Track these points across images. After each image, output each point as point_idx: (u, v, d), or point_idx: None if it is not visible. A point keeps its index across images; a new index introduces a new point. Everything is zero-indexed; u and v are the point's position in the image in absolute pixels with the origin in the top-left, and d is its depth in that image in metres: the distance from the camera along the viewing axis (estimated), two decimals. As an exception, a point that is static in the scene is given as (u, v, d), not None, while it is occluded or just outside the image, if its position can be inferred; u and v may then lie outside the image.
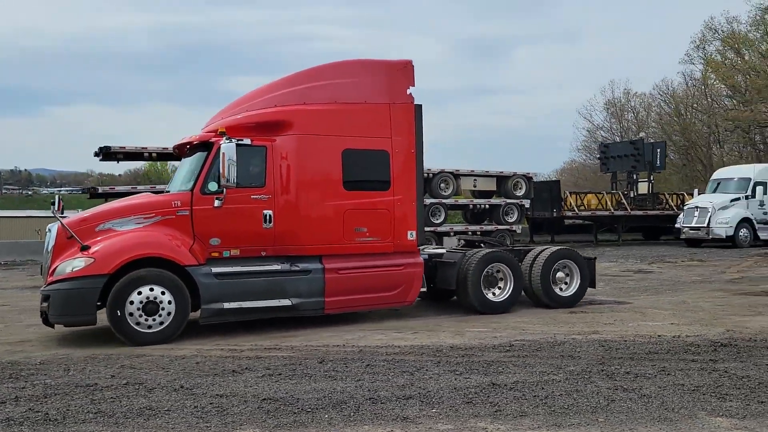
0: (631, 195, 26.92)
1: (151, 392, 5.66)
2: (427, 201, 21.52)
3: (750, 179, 24.20)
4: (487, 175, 23.08)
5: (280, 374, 6.23)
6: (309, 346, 7.61)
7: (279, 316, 8.71)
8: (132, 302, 7.67)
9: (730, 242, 23.37)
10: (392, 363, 6.60)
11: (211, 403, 5.30)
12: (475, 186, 23.06)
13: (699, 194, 26.45)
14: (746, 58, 51.21)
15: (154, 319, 7.80)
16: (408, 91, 9.52)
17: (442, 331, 8.55)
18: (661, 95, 61.51)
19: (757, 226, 23.82)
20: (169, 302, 7.87)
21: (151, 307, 7.77)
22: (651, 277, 14.62)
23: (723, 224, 23.43)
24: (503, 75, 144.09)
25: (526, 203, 22.93)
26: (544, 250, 10.57)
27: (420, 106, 9.64)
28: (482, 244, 11.34)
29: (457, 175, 22.33)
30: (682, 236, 24.63)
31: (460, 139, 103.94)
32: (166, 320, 7.86)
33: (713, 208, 23.56)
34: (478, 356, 6.89)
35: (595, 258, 11.12)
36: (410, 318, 9.61)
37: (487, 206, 22.78)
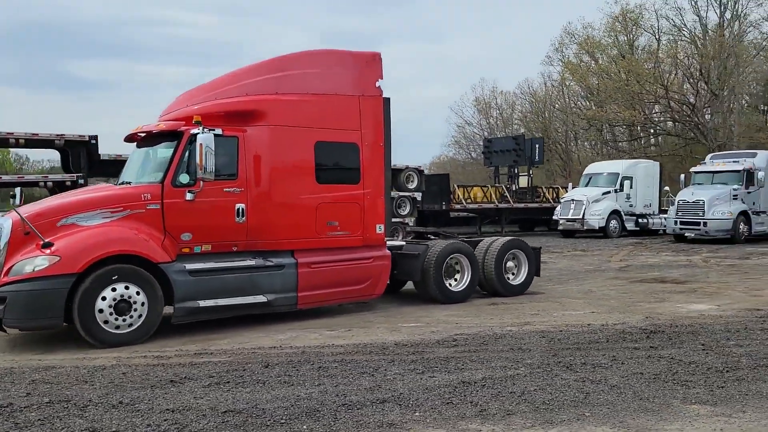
0: (513, 188, 28.09)
1: (85, 410, 4.91)
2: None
3: (618, 174, 26.06)
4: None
5: (228, 382, 5.66)
6: (243, 349, 7.04)
7: (253, 312, 8.40)
8: (104, 300, 7.18)
9: (601, 233, 25.02)
10: (344, 364, 6.22)
11: (165, 420, 4.66)
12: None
13: (573, 188, 28.13)
14: (599, 62, 55.50)
15: (124, 320, 7.32)
16: (377, 84, 9.49)
17: (375, 327, 8.29)
18: (523, 94, 65.54)
19: (624, 217, 25.67)
20: (143, 303, 7.42)
21: (122, 307, 7.30)
22: (548, 267, 15.21)
23: (596, 216, 25.02)
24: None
25: (418, 196, 23.16)
26: (495, 240, 10.84)
27: (388, 99, 9.63)
28: (431, 236, 11.45)
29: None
30: (560, 227, 26.01)
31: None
32: (136, 321, 7.41)
33: (587, 201, 25.11)
34: (429, 353, 6.67)
35: (540, 248, 11.48)
36: (335, 315, 9.23)
37: (380, 199, 22.76)
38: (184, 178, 7.91)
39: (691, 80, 49.65)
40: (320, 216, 8.91)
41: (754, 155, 23.88)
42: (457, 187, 26.02)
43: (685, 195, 22.71)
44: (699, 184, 23.19)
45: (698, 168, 23.92)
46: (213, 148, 7.66)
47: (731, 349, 6.61)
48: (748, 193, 22.33)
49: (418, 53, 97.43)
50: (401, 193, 22.76)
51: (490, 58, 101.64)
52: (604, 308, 9.34)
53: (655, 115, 52.77)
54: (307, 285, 8.69)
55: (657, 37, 57.86)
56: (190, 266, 7.82)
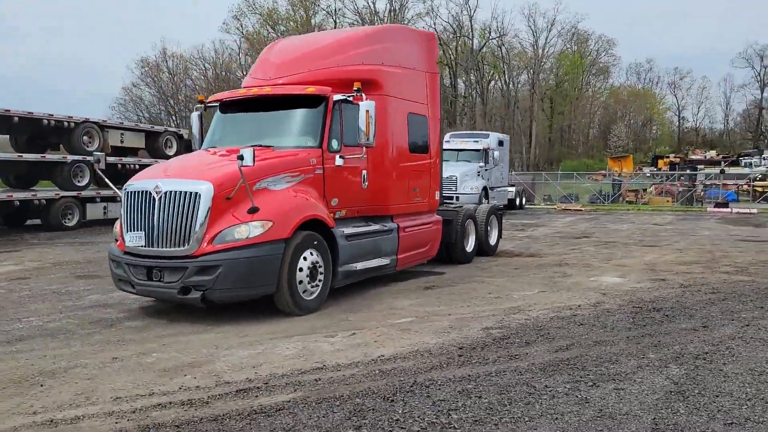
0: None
1: None
2: (69, 158, 17.07)
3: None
4: (135, 129, 19.54)
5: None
6: (220, 381, 4.98)
7: (379, 274, 8.92)
8: (301, 269, 7.15)
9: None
10: (380, 399, 4.58)
11: None
12: (122, 141, 19.21)
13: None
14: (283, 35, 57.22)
15: (315, 285, 7.39)
16: (435, 62, 10.50)
17: (339, 334, 6.68)
18: (198, 58, 64.74)
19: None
20: (322, 268, 7.49)
21: (313, 273, 7.33)
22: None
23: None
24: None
25: (179, 164, 20.25)
26: (480, 206, 12.43)
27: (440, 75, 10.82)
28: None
29: (103, 127, 18.23)
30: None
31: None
32: (317, 287, 7.44)
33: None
34: (463, 366, 5.52)
35: (504, 212, 12.55)
36: (260, 321, 7.20)
37: (137, 166, 19.26)
38: (335, 144, 7.98)
39: None
40: (410, 183, 9.60)
41: (486, 136, 26.38)
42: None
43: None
44: (446, 160, 24.36)
45: (444, 146, 25.22)
46: (374, 116, 7.83)
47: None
48: (486, 170, 24.64)
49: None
50: (159, 159, 19.59)
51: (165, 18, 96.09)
52: (554, 288, 9.10)
53: None
54: (403, 248, 9.29)
55: (334, 18, 61.93)
56: (346, 231, 8.00)
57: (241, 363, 5.44)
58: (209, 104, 9.09)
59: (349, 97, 8.03)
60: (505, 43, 77.49)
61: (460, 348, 5.80)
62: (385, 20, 65.37)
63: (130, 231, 7.02)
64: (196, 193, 6.69)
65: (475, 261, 11.57)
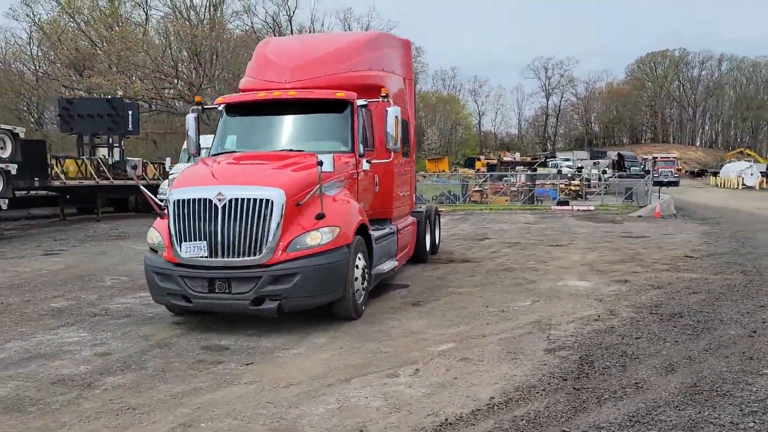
0: (110, 162, 23.29)
1: None
2: None
3: None
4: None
5: None
6: None
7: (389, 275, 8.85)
8: (357, 269, 7.15)
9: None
10: None
11: None
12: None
13: (172, 163, 25.28)
14: (83, 26, 52.78)
15: (363, 290, 7.38)
16: (411, 69, 11.13)
17: (399, 372, 5.68)
18: None
19: None
20: (367, 271, 7.52)
21: (363, 277, 7.33)
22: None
23: None
24: None
25: (13, 169, 16.93)
26: (429, 207, 12.71)
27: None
28: None
29: None
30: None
31: None
32: (365, 290, 7.47)
33: None
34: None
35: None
36: (272, 362, 5.97)
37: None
38: (361, 148, 8.09)
39: (191, 62, 51.41)
40: (401, 186, 9.93)
41: None
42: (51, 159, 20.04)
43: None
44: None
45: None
46: (401, 121, 8.22)
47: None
48: None
49: None
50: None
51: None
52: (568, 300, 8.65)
53: (166, 92, 52.34)
54: (400, 249, 9.52)
55: (144, 9, 58.06)
56: (375, 234, 8.02)
57: (331, 425, 4.23)
58: (207, 107, 9.04)
59: (371, 102, 8.31)
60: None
61: (563, 379, 5.09)
62: (204, 15, 61.98)
63: (187, 241, 6.56)
64: (268, 200, 6.49)
65: (421, 268, 10.89)
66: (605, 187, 33.78)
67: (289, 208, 6.58)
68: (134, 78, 49.08)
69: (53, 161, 20.03)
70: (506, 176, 39.88)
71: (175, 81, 52.10)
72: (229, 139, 8.52)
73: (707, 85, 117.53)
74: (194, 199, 6.60)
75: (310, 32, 77.56)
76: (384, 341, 6.36)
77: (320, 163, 6.59)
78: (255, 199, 6.49)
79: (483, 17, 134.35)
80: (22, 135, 17.50)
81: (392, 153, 8.41)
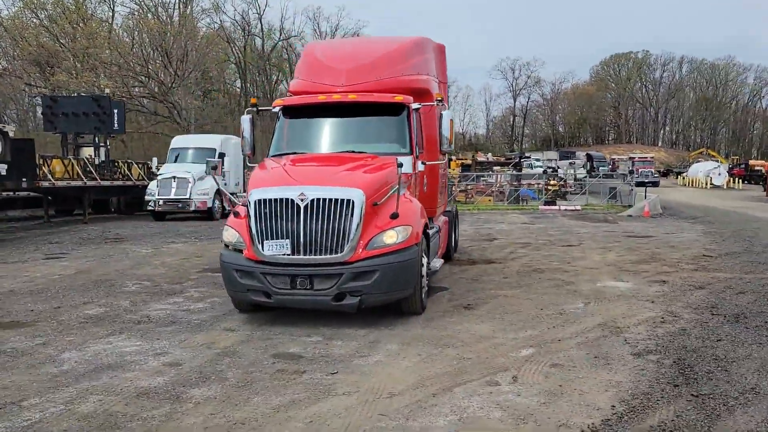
0: (97, 162, 22.51)
1: None
2: None
3: (216, 150, 23.47)
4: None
5: None
6: None
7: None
8: (422, 274, 7.37)
9: (207, 214, 22.69)
10: None
11: None
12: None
13: (159, 164, 24.67)
14: (46, 22, 51.41)
15: (426, 285, 7.63)
16: (446, 72, 11.62)
17: (498, 380, 5.54)
18: None
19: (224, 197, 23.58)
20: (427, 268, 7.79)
21: (425, 274, 7.59)
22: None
23: (203, 195, 22.32)
24: None
25: (3, 170, 16.26)
26: (453, 206, 13.12)
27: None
28: None
29: None
30: (155, 208, 22.25)
31: None
32: (426, 286, 7.70)
33: (193, 179, 22.19)
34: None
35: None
36: (351, 371, 5.76)
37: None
38: (417, 150, 8.21)
39: (162, 61, 50.46)
40: (441, 185, 10.27)
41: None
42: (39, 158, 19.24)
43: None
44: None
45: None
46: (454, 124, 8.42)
47: None
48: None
49: None
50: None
51: None
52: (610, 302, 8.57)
53: (134, 89, 51.19)
54: (441, 247, 9.91)
55: (111, 6, 56.77)
56: (429, 232, 8.10)
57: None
58: (262, 108, 9.14)
59: (426, 105, 8.59)
60: (291, 45, 76.96)
61: (674, 385, 5.01)
62: (174, 11, 60.78)
63: (269, 239, 6.73)
64: (350, 200, 6.71)
65: (448, 268, 10.75)
66: (585, 187, 34.15)
67: (368, 207, 6.83)
68: (102, 76, 47.87)
69: (40, 161, 19.28)
70: (483, 176, 40.08)
71: (146, 79, 51.09)
72: (291, 139, 8.60)
73: (669, 86, 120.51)
74: (276, 199, 6.78)
75: (281, 33, 77.19)
76: (460, 347, 6.20)
77: (400, 165, 6.95)
78: (337, 199, 6.71)
79: (452, 17, 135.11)
80: (11, 134, 16.83)
81: (446, 155, 8.81)
